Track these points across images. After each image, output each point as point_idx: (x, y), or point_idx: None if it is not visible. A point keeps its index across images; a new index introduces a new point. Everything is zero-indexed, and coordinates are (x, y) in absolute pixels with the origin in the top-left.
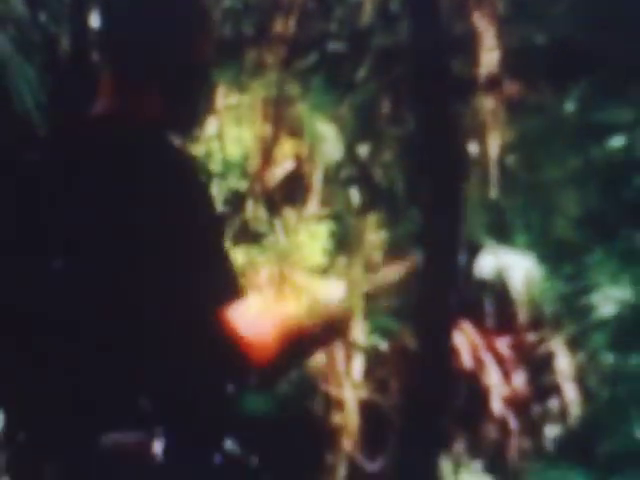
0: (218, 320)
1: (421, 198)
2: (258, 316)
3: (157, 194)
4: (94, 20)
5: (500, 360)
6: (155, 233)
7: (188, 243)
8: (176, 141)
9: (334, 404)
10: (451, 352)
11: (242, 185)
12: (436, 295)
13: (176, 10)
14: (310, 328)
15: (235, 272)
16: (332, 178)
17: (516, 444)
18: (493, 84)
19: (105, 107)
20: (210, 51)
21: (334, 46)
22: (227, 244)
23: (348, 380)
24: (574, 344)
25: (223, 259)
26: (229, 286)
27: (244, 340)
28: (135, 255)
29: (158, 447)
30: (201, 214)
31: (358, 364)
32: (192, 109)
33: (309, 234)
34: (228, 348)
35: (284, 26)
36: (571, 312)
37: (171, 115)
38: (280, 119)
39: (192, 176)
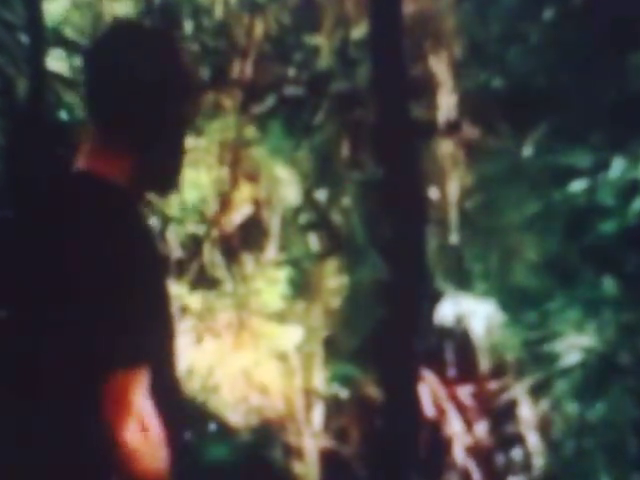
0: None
1: (382, 244)
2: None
3: (106, 258)
4: (51, 63)
5: (462, 409)
6: (97, 293)
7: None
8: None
9: (294, 453)
10: (416, 400)
11: (199, 230)
12: (401, 344)
13: (160, 67)
14: None
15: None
16: (290, 223)
17: None
18: (452, 128)
19: (85, 166)
20: (192, 109)
21: (292, 90)
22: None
23: (308, 429)
24: (537, 393)
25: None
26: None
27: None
28: (74, 311)
29: None
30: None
31: (318, 412)
32: (172, 168)
33: (267, 280)
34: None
35: (241, 69)
36: (534, 360)
37: (149, 175)
38: (237, 163)
39: (144, 248)
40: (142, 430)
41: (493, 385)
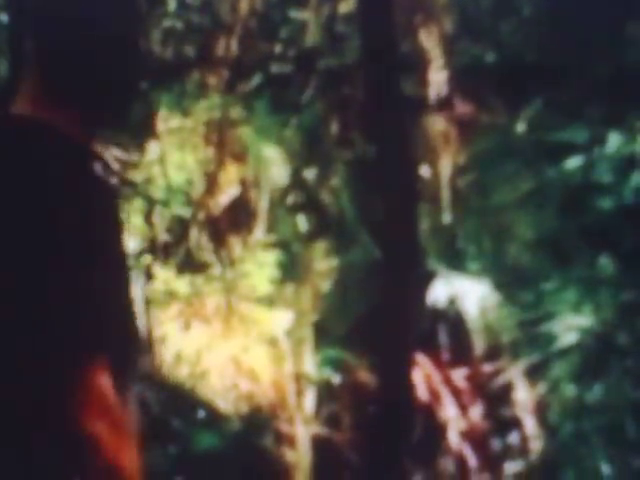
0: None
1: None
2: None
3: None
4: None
5: (456, 392)
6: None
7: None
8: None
9: (285, 440)
10: (411, 385)
11: (186, 212)
12: (394, 327)
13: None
14: None
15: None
16: (278, 204)
17: None
18: (443, 104)
19: (26, 109)
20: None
21: (279, 67)
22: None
23: (299, 415)
24: (534, 375)
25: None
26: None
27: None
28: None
29: None
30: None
31: (309, 398)
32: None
33: (255, 262)
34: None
35: (227, 47)
36: (530, 341)
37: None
38: (224, 143)
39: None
40: (106, 416)
41: (488, 368)
